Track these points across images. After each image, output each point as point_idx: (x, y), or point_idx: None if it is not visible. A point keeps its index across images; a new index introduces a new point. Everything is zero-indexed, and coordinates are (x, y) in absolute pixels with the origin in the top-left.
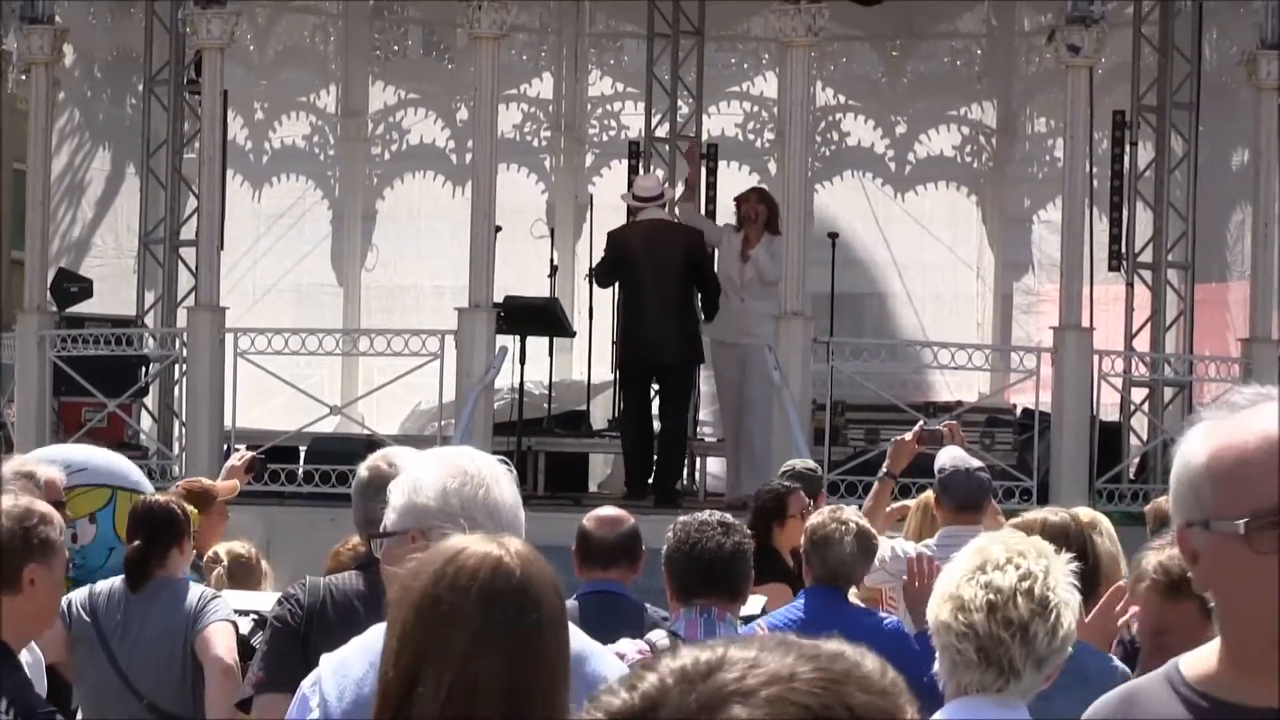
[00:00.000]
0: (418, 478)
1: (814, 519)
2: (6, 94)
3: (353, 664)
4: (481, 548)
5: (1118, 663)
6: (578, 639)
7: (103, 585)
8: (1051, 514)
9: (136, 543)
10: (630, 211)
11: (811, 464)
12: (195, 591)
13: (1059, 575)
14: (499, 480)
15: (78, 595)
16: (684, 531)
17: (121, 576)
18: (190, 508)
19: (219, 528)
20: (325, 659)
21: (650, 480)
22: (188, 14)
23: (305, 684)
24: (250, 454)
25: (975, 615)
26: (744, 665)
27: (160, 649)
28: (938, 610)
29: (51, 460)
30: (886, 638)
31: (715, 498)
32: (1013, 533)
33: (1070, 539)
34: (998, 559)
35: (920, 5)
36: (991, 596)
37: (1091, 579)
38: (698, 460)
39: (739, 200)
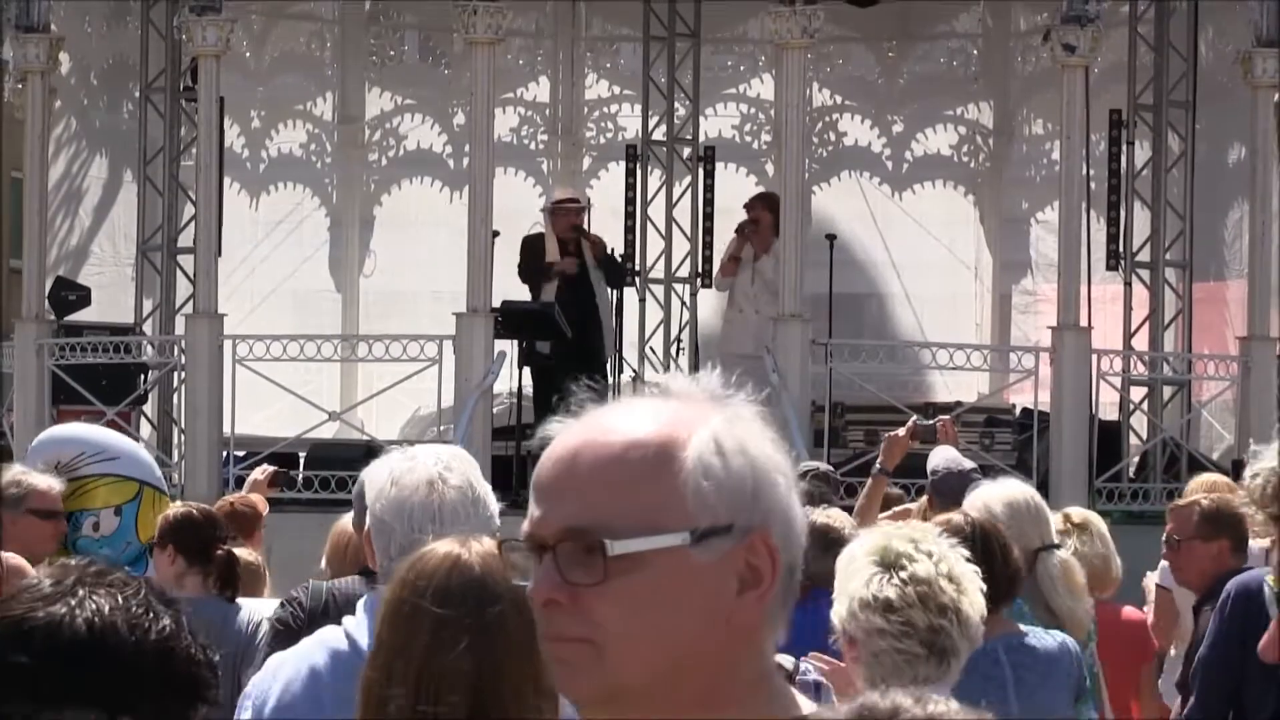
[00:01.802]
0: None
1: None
2: (3, 103)
3: (288, 666)
4: (444, 548)
5: (1069, 641)
6: None
7: None
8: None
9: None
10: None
11: (828, 468)
12: (247, 616)
13: (955, 549)
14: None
15: None
16: None
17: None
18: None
19: (257, 544)
20: (269, 660)
21: None
22: (183, 21)
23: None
24: (272, 468)
25: (911, 611)
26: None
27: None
28: (864, 618)
29: (87, 443)
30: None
31: None
32: (889, 525)
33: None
34: (904, 550)
35: (916, 6)
36: (920, 589)
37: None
38: None
39: (746, 207)
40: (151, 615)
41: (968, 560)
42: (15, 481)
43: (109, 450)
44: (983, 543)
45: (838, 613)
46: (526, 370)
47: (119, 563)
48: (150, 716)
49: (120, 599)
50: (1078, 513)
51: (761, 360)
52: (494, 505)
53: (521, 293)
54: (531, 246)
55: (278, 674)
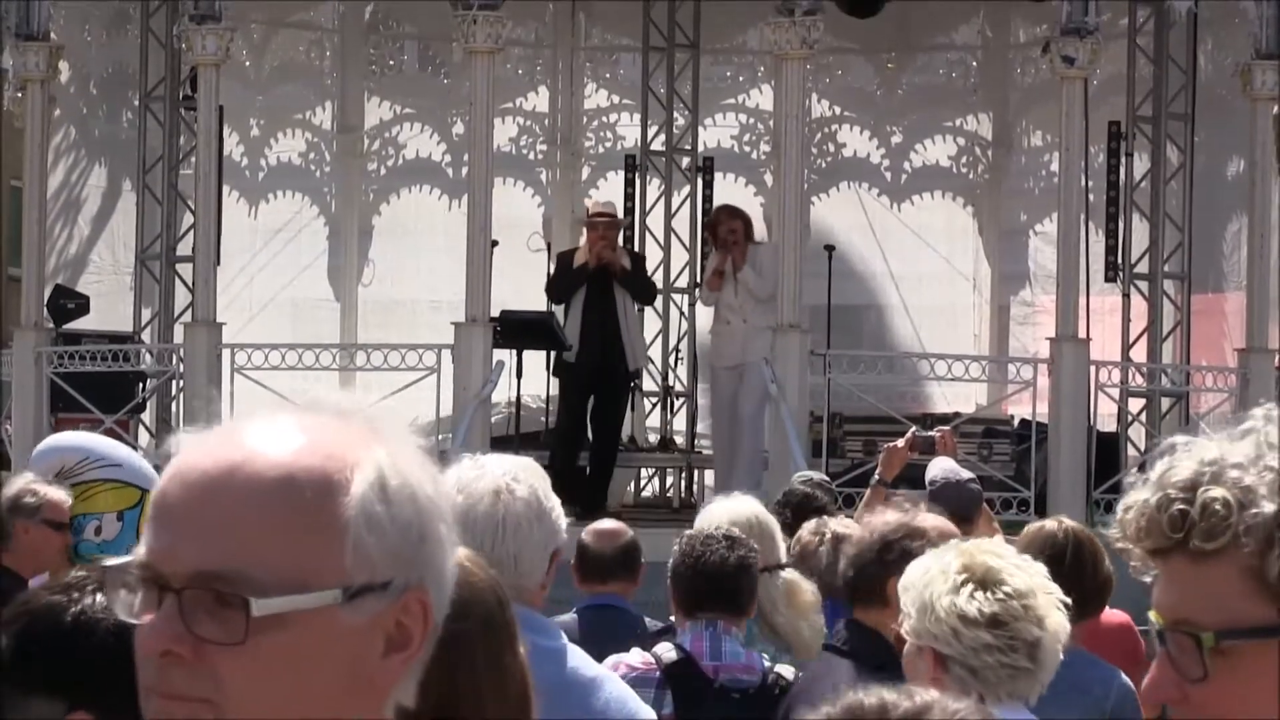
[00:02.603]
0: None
1: (805, 535)
2: (2, 111)
3: None
4: None
5: (1122, 676)
6: (590, 667)
7: None
8: (1050, 522)
9: None
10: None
11: (823, 476)
12: None
13: (1032, 564)
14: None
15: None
16: (689, 545)
17: None
18: None
19: None
20: None
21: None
22: (183, 30)
23: None
24: None
25: (1018, 625)
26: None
27: None
28: (969, 635)
29: (90, 450)
30: None
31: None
32: (960, 542)
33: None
34: (995, 565)
35: (915, 18)
36: (1024, 602)
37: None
38: (696, 473)
39: (711, 226)
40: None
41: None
42: (31, 491)
43: (111, 457)
44: (1074, 552)
45: (920, 630)
46: (523, 381)
47: None
48: (113, 712)
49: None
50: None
51: (744, 366)
52: (561, 519)
53: (520, 302)
54: (562, 260)
55: None
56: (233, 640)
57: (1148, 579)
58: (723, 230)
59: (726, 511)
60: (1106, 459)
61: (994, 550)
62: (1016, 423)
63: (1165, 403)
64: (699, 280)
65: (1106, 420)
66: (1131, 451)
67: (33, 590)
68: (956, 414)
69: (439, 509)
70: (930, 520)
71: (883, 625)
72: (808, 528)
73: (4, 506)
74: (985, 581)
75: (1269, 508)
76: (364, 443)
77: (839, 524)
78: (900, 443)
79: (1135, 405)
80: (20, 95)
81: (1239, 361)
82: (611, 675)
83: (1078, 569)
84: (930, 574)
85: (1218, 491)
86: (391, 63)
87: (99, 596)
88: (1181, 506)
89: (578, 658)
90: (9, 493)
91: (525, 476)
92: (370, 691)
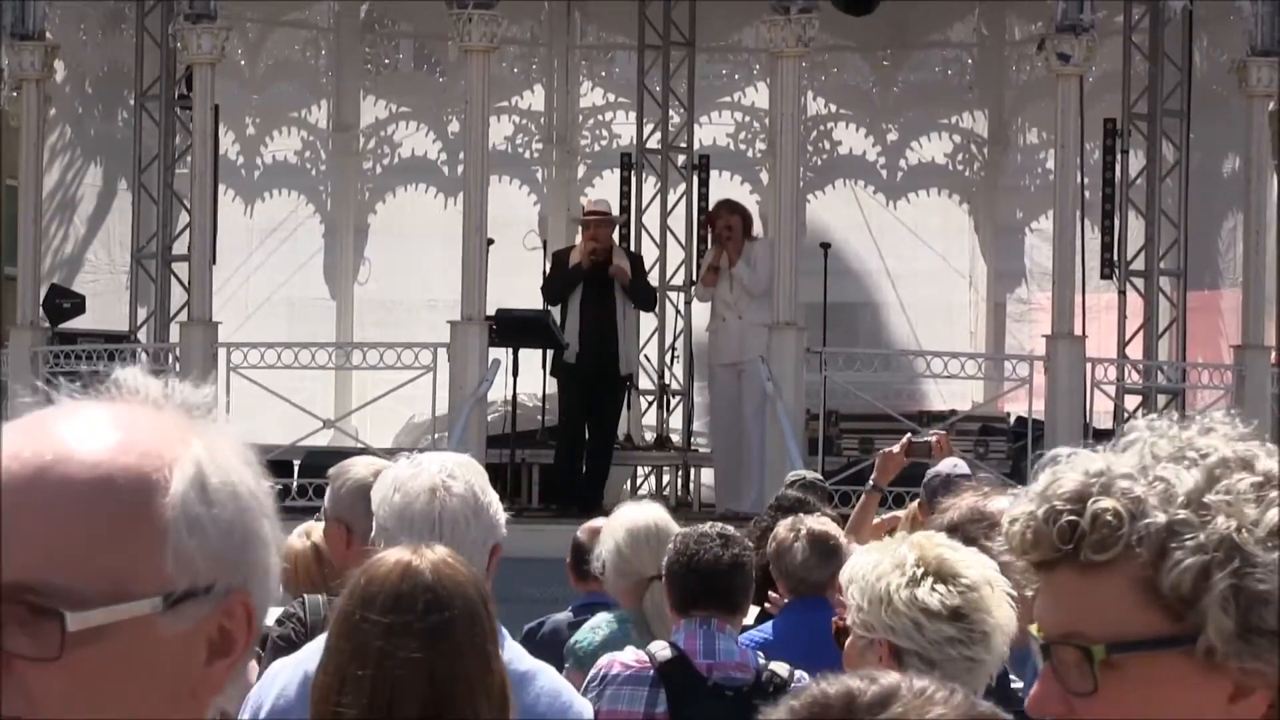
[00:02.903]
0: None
1: (781, 531)
2: None
3: (285, 672)
4: (395, 556)
5: None
6: (524, 660)
7: None
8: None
9: None
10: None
11: (817, 476)
12: None
13: (983, 557)
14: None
15: None
16: (683, 544)
17: None
18: None
19: None
20: (270, 666)
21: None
22: (178, 29)
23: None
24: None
25: (979, 616)
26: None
27: None
28: (932, 629)
29: None
30: None
31: (708, 509)
32: (910, 535)
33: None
34: (950, 558)
35: (911, 15)
36: (983, 592)
37: None
38: (692, 472)
39: (710, 219)
40: None
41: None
42: None
43: None
44: None
45: (873, 622)
46: (519, 379)
47: None
48: None
49: None
50: None
51: (742, 364)
52: (500, 514)
53: (516, 301)
54: (557, 258)
55: (275, 680)
56: (47, 655)
57: (1029, 593)
58: (719, 225)
59: (627, 518)
60: None
61: (944, 543)
62: (1013, 420)
63: (1161, 400)
64: (695, 278)
65: (1102, 417)
66: None
67: None
68: (953, 411)
69: (262, 505)
70: (998, 504)
71: None
72: (784, 525)
73: None
74: (942, 574)
75: (1160, 518)
76: (181, 436)
77: (815, 521)
78: (895, 448)
79: (1131, 402)
80: (15, 94)
81: (1235, 358)
82: (546, 668)
83: None
84: (881, 567)
85: (1108, 503)
86: (387, 61)
87: None
88: (1071, 518)
89: (512, 650)
90: None
91: (462, 473)
92: (192, 701)
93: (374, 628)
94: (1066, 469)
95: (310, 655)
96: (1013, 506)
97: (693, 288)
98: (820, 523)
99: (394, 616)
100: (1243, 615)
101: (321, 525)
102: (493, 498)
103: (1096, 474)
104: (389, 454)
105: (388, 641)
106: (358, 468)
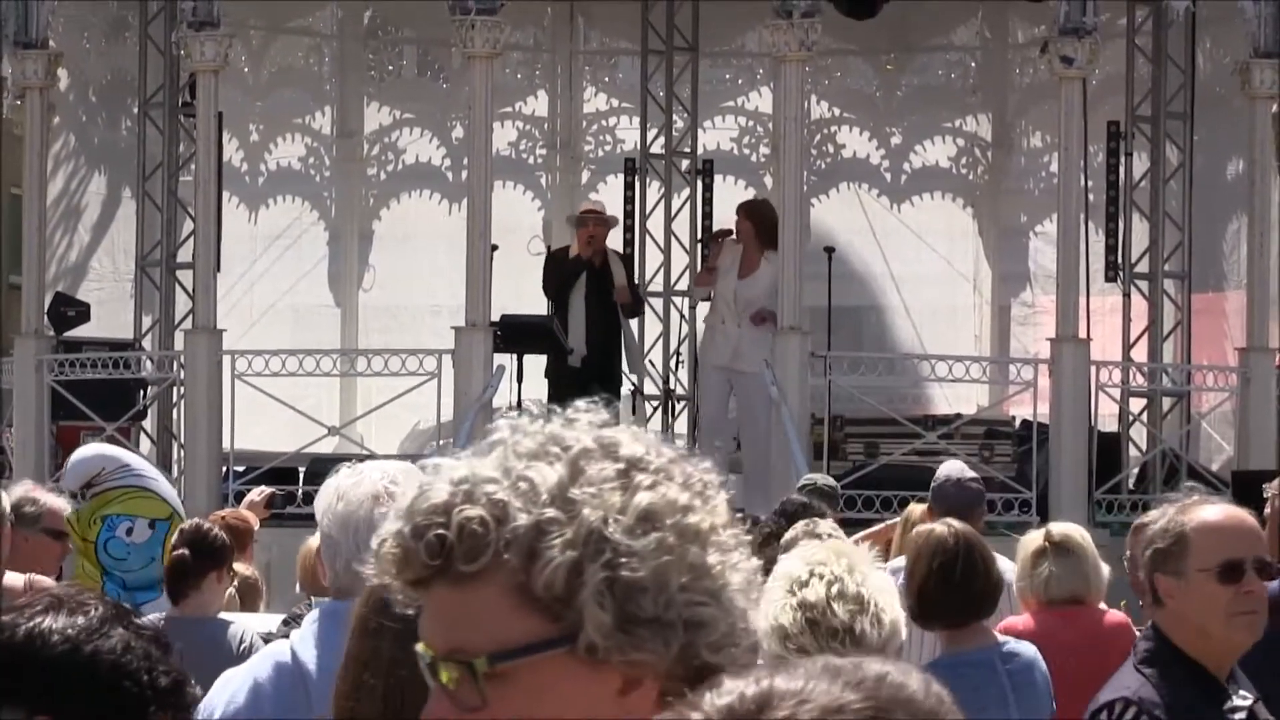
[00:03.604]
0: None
1: (788, 534)
2: (2, 119)
3: (235, 680)
4: None
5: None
6: None
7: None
8: (939, 526)
9: (183, 552)
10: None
11: (831, 480)
12: (238, 635)
13: (865, 568)
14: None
15: None
16: None
17: (155, 615)
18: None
19: (249, 560)
20: (221, 676)
21: None
22: (181, 37)
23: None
24: (269, 490)
25: (803, 638)
26: (793, 700)
27: (204, 685)
28: (767, 646)
29: (129, 463)
30: None
31: None
32: (809, 545)
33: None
34: (800, 575)
35: (914, 19)
36: (808, 614)
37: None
38: None
39: (738, 213)
40: (97, 634)
41: (881, 569)
42: (31, 499)
43: (149, 473)
44: (965, 555)
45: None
46: (524, 385)
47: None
48: (72, 717)
49: (72, 618)
50: (1059, 530)
51: (737, 374)
52: None
53: (520, 306)
54: (553, 258)
55: (226, 688)
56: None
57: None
58: (734, 225)
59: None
60: (1108, 459)
61: (817, 557)
62: (1018, 424)
63: (1166, 402)
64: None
65: (1108, 420)
66: (1133, 452)
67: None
68: (958, 415)
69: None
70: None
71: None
72: (798, 527)
73: (4, 515)
74: (791, 592)
75: (525, 519)
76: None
77: (829, 525)
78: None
79: (1136, 405)
80: (19, 103)
81: (1240, 360)
82: None
83: (969, 573)
84: (769, 582)
85: (473, 510)
86: (390, 68)
87: (49, 617)
88: (439, 531)
89: None
90: (9, 501)
91: (404, 480)
92: None
93: (387, 633)
94: (434, 480)
95: (259, 664)
96: (381, 527)
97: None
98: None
99: (406, 623)
100: (619, 606)
101: None
102: None
103: (460, 481)
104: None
105: (399, 648)
106: (376, 472)
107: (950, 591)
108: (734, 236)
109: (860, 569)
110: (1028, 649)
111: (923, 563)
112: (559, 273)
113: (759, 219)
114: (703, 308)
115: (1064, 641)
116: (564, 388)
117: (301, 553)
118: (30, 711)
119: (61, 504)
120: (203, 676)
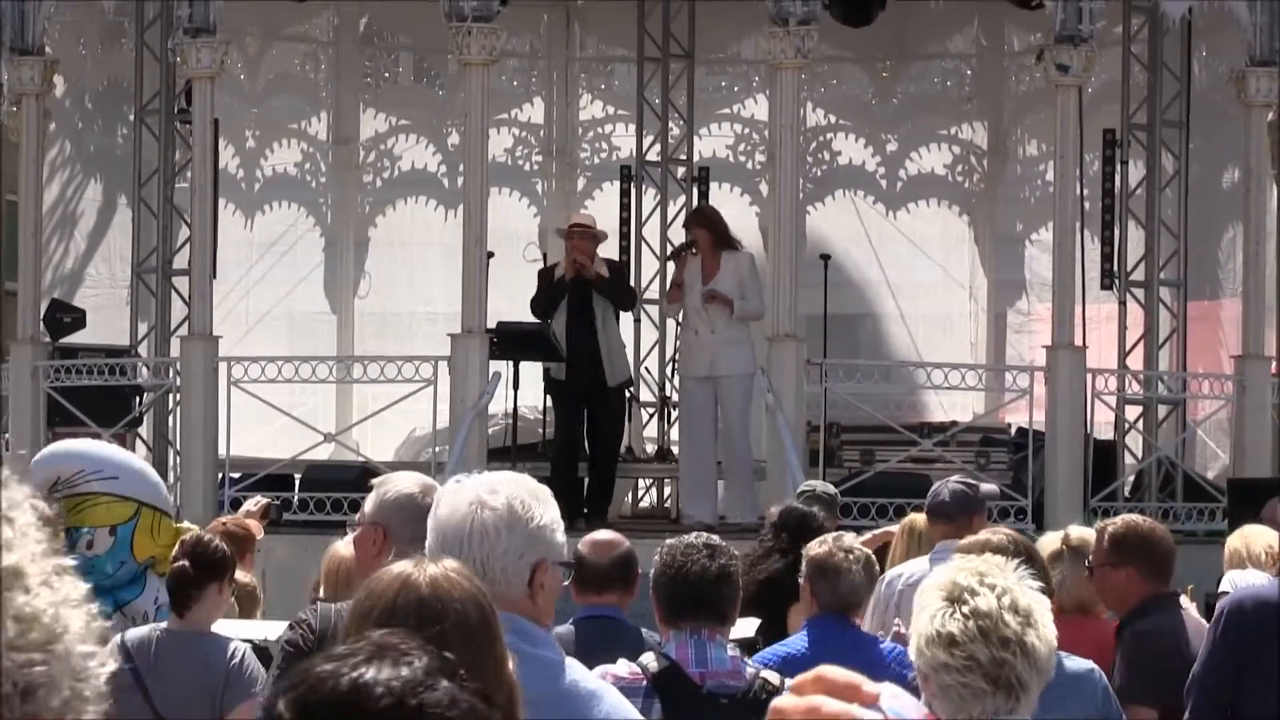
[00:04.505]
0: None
1: (817, 548)
2: None
3: None
4: (397, 569)
5: (1097, 670)
6: (589, 680)
7: (136, 634)
8: (991, 535)
9: (184, 564)
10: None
11: (831, 488)
12: (229, 651)
13: (1024, 581)
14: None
15: (109, 648)
16: (670, 555)
17: (150, 628)
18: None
19: (249, 567)
20: None
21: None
22: (178, 43)
23: None
24: (265, 501)
25: (973, 645)
26: None
27: (192, 702)
28: (930, 653)
29: (88, 460)
30: (890, 666)
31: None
32: (962, 558)
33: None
34: (968, 585)
35: (909, 26)
36: (981, 623)
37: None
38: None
39: (685, 227)
40: (422, 687)
41: (1042, 590)
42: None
43: (109, 468)
44: (1024, 564)
45: (912, 648)
46: (520, 392)
47: (117, 582)
48: None
49: (396, 669)
50: (1076, 534)
51: (718, 380)
52: (548, 532)
53: (516, 313)
54: (543, 277)
55: None
56: None
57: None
58: (689, 236)
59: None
60: (1104, 467)
61: (979, 569)
62: (1014, 431)
63: (1162, 410)
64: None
65: (1103, 428)
66: (1129, 459)
67: (307, 662)
68: (953, 423)
69: None
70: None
71: None
72: (828, 544)
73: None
74: (954, 600)
75: None
76: None
77: (854, 540)
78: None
79: (1132, 413)
80: (15, 109)
81: (1236, 368)
82: (609, 689)
83: None
84: (924, 592)
85: None
86: (386, 75)
87: (372, 668)
88: None
89: (577, 671)
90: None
91: (504, 488)
92: None
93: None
94: None
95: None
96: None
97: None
98: (863, 547)
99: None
100: None
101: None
102: (538, 513)
103: None
104: (390, 467)
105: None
106: (404, 480)
107: None
108: (693, 250)
109: (1022, 581)
110: (1080, 665)
111: None
112: (547, 293)
113: (710, 225)
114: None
115: (1069, 652)
116: (560, 399)
117: (328, 558)
118: None
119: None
120: (198, 691)
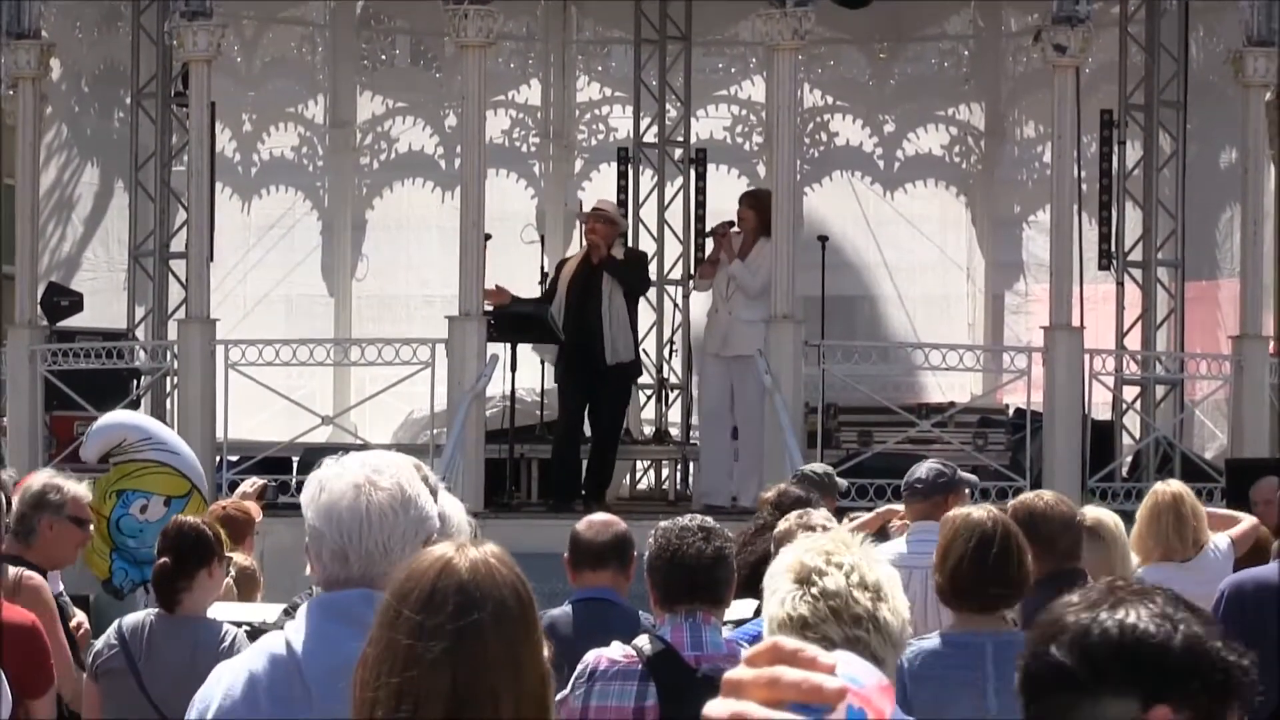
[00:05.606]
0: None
1: (780, 526)
2: None
3: (229, 673)
4: (438, 551)
5: None
6: None
7: (132, 618)
8: (974, 509)
9: (164, 560)
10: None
11: (829, 468)
12: (220, 634)
13: (870, 555)
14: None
15: (108, 632)
16: (664, 538)
17: (145, 612)
18: (220, 530)
19: (248, 550)
20: (215, 669)
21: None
22: (174, 27)
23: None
24: (261, 481)
25: (826, 626)
26: None
27: (182, 686)
28: (783, 636)
29: (152, 433)
30: None
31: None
32: (808, 536)
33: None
34: (816, 565)
35: (906, 7)
36: (832, 603)
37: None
38: (691, 466)
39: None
40: (1175, 621)
41: (893, 563)
42: (55, 487)
43: (171, 445)
44: (1002, 542)
45: (765, 633)
46: (518, 374)
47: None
48: (1185, 708)
49: (1148, 607)
50: (1092, 515)
51: (732, 360)
52: (430, 507)
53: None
54: (557, 269)
55: (220, 681)
56: None
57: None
58: (737, 215)
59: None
60: (1102, 447)
61: (826, 548)
62: (1011, 412)
63: (1160, 390)
64: (692, 272)
65: (1101, 408)
66: (1126, 440)
67: (1058, 605)
68: (951, 404)
69: None
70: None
71: None
72: (791, 518)
73: (28, 503)
74: (803, 582)
75: None
76: None
77: (822, 516)
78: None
79: (1130, 393)
80: (11, 93)
81: (1233, 348)
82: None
83: (1004, 559)
84: (773, 576)
85: None
86: (383, 57)
87: (1128, 608)
88: None
89: None
90: (33, 489)
91: (388, 469)
92: None
93: (405, 624)
94: None
95: (254, 656)
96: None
97: (691, 282)
98: (829, 520)
99: (424, 615)
100: None
101: None
102: (422, 490)
103: None
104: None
105: (416, 640)
106: (356, 462)
107: (982, 575)
108: (736, 228)
109: (869, 556)
110: None
111: (959, 543)
112: (553, 283)
113: (761, 208)
114: (702, 299)
115: None
116: (564, 379)
117: None
118: (1144, 702)
119: (84, 491)
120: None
